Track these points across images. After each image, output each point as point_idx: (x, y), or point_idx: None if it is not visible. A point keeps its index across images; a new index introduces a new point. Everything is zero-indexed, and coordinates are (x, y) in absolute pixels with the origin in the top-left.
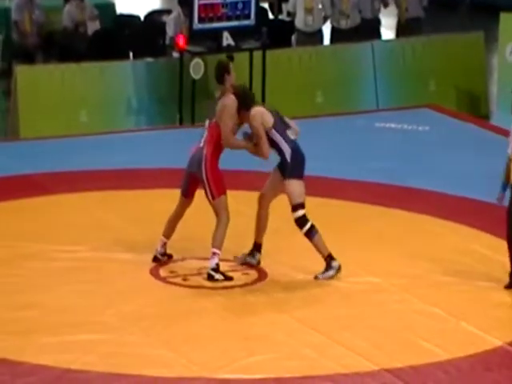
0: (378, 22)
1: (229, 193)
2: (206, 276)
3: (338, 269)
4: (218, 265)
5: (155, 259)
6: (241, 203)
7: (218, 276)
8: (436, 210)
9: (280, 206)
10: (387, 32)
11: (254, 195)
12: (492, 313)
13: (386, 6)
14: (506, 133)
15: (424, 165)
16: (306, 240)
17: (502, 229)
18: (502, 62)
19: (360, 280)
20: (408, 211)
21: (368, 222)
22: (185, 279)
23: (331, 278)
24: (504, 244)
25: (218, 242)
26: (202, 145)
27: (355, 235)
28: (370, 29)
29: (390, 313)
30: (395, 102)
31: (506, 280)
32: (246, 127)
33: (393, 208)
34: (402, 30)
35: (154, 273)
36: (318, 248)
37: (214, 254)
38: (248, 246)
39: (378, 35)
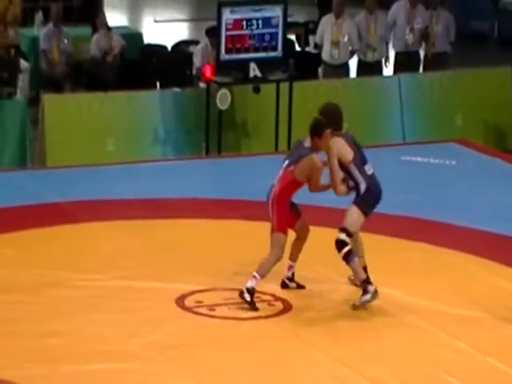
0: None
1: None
2: (238, 298)
3: (375, 293)
4: (253, 289)
5: (283, 284)
6: None
7: (248, 297)
8: (462, 244)
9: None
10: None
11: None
12: None
13: (424, 38)
14: None
15: (450, 199)
16: (330, 271)
17: None
18: None
19: (386, 313)
20: (434, 245)
21: (393, 255)
22: (211, 309)
23: (368, 302)
24: None
25: (262, 268)
26: (275, 182)
27: (381, 268)
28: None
29: (416, 347)
30: (421, 136)
31: None
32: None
33: (418, 241)
34: (428, 64)
35: (180, 303)
36: (356, 272)
37: (254, 277)
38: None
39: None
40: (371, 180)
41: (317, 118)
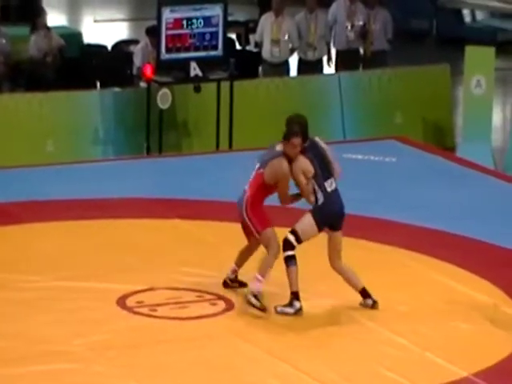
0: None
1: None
2: (246, 298)
3: (299, 310)
4: (259, 292)
5: (225, 284)
6: None
7: (254, 301)
8: (403, 241)
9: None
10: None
11: None
12: (458, 343)
13: (363, 36)
14: (470, 165)
15: (390, 196)
16: (275, 273)
17: (466, 260)
18: (468, 94)
19: (325, 309)
20: (374, 242)
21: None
22: (152, 309)
23: (288, 315)
24: (469, 275)
25: (262, 269)
26: (246, 188)
27: (323, 265)
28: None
29: (356, 343)
30: (362, 134)
31: (470, 311)
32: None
33: (359, 238)
34: (367, 62)
35: (121, 303)
36: (290, 279)
37: (257, 279)
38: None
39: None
40: (330, 197)
41: (291, 123)
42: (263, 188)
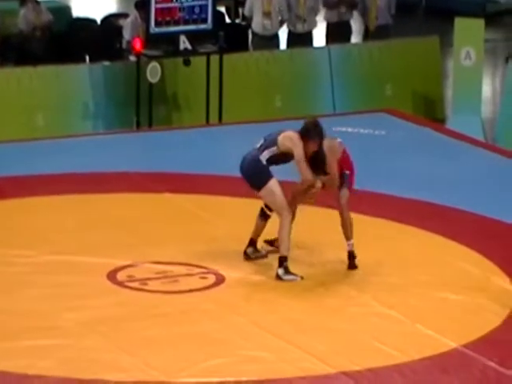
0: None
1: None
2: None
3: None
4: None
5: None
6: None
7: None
8: (390, 212)
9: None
10: (355, 38)
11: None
12: (448, 315)
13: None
14: (460, 137)
15: (379, 168)
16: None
17: (456, 231)
18: (457, 66)
19: (315, 282)
20: (364, 215)
21: (324, 225)
22: (143, 283)
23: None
24: (459, 247)
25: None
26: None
27: (314, 238)
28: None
29: (347, 316)
30: (352, 107)
31: (460, 282)
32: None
33: (350, 212)
34: (371, 37)
35: (112, 277)
36: (255, 229)
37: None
38: None
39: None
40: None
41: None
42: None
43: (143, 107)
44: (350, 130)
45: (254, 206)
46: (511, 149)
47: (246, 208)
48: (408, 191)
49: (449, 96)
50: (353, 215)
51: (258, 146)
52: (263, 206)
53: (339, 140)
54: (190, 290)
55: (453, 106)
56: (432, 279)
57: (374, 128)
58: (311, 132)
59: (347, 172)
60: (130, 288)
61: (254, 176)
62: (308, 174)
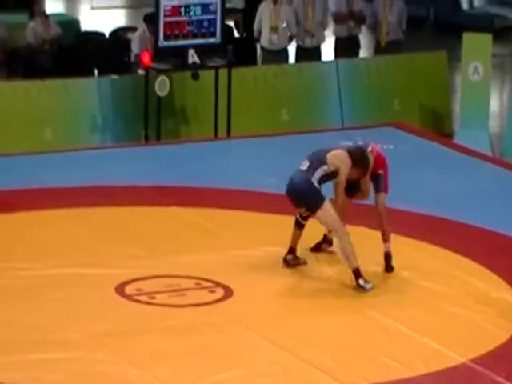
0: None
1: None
2: None
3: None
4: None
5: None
6: None
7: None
8: (398, 226)
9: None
10: (365, 53)
11: None
12: (455, 329)
13: (373, 28)
14: (468, 151)
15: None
16: (272, 261)
17: (463, 246)
18: (465, 81)
19: (323, 296)
20: (371, 229)
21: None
22: (151, 297)
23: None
24: (466, 261)
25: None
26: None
27: (317, 253)
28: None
29: (354, 330)
30: (360, 120)
31: (467, 297)
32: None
33: (356, 225)
34: (381, 52)
35: (120, 290)
36: (292, 237)
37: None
38: None
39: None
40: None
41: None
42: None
43: (151, 121)
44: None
45: (263, 219)
46: None
47: (255, 222)
48: (416, 205)
49: (456, 110)
50: (361, 229)
51: (305, 167)
52: (298, 217)
53: (371, 142)
54: (198, 304)
55: (460, 121)
56: (439, 293)
57: (381, 142)
58: (361, 159)
59: (381, 172)
60: (139, 301)
61: (309, 199)
62: (342, 197)
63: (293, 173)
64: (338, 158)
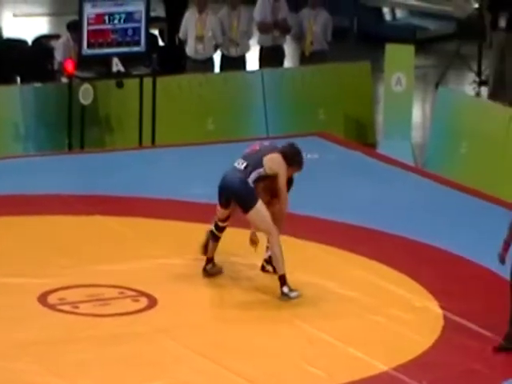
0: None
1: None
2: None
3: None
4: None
5: (262, 268)
6: None
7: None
8: (324, 237)
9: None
10: (289, 63)
11: None
12: (378, 338)
13: (299, 38)
14: (391, 161)
15: (313, 192)
16: (196, 270)
17: (385, 255)
18: (388, 91)
19: (248, 305)
20: (296, 238)
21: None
22: (74, 306)
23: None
24: (388, 270)
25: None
26: (238, 165)
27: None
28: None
29: (278, 339)
30: (285, 130)
31: (391, 306)
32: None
33: (281, 234)
34: (306, 62)
35: (42, 300)
36: (210, 249)
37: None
38: None
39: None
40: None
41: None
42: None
43: (75, 129)
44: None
45: (187, 229)
46: (440, 174)
47: (180, 231)
48: (340, 215)
49: (380, 121)
50: (286, 238)
51: (242, 166)
52: (213, 230)
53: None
54: (122, 314)
55: (384, 131)
56: (363, 302)
57: (306, 151)
58: (295, 159)
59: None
60: (61, 311)
61: (243, 198)
62: (287, 200)
63: (227, 170)
64: (275, 163)
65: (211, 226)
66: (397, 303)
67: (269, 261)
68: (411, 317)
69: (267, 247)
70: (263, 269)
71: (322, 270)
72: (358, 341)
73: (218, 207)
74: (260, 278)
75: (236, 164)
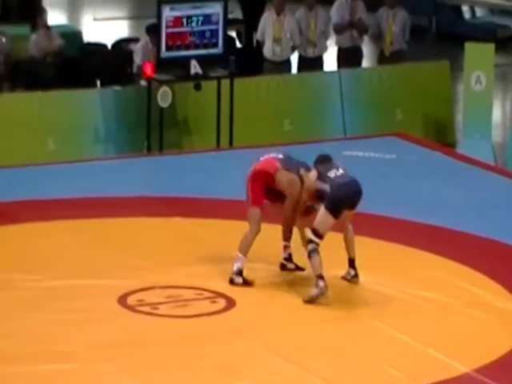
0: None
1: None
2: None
3: (323, 288)
4: (239, 269)
5: (281, 266)
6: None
7: (238, 280)
8: (401, 236)
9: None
10: (367, 63)
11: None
12: (458, 339)
13: (376, 38)
14: (470, 161)
15: (390, 192)
16: (274, 271)
17: (465, 255)
18: (468, 90)
19: (325, 306)
20: (374, 238)
21: (335, 248)
22: (153, 308)
23: (315, 297)
24: (468, 271)
25: (243, 246)
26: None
27: (326, 263)
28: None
29: (357, 340)
30: (362, 130)
31: (472, 306)
32: None
33: (358, 235)
34: (385, 62)
35: (122, 301)
36: (313, 267)
37: (238, 257)
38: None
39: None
40: (336, 184)
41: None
42: (268, 175)
43: (154, 131)
44: (360, 154)
45: (264, 230)
46: None
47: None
48: (418, 215)
49: (459, 120)
50: (362, 238)
51: (340, 173)
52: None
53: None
54: (201, 315)
55: (463, 131)
56: (443, 303)
57: (384, 152)
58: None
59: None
60: (141, 312)
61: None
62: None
63: (347, 176)
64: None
65: (311, 236)
66: (476, 303)
67: (289, 258)
68: (492, 318)
69: (284, 246)
70: (283, 267)
71: (399, 270)
72: (437, 342)
73: (332, 218)
74: (337, 278)
75: (335, 172)
